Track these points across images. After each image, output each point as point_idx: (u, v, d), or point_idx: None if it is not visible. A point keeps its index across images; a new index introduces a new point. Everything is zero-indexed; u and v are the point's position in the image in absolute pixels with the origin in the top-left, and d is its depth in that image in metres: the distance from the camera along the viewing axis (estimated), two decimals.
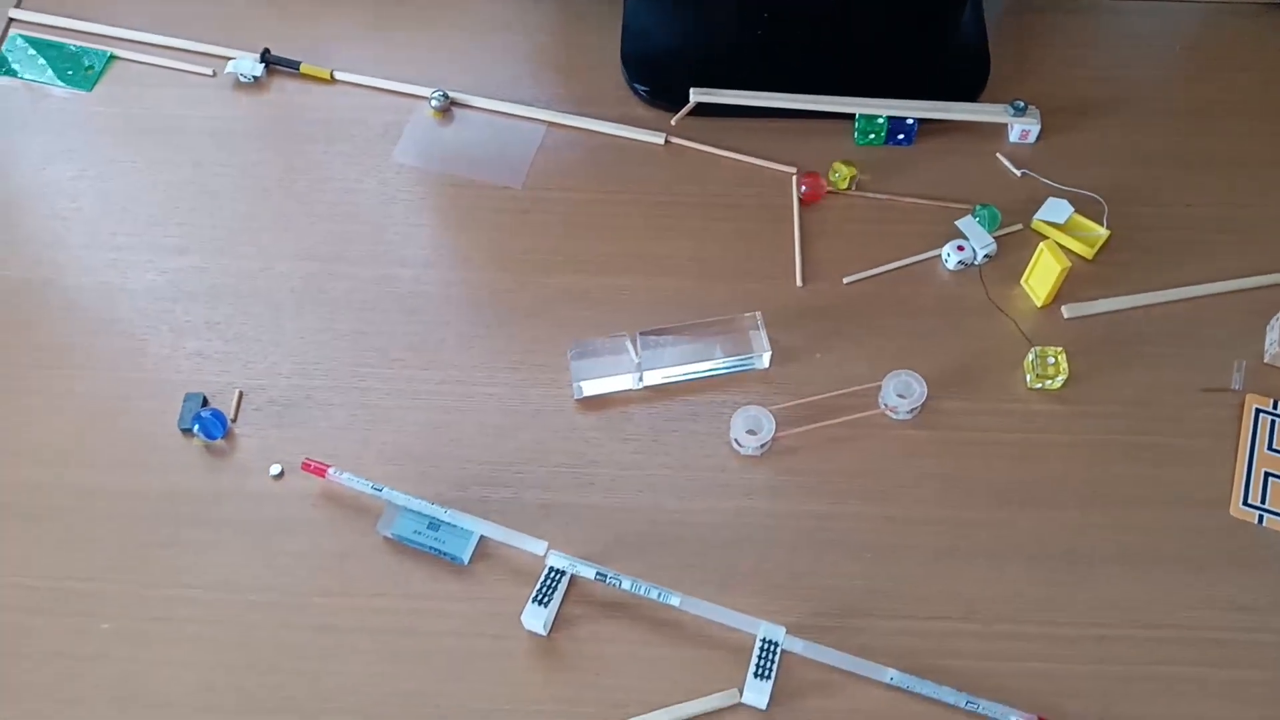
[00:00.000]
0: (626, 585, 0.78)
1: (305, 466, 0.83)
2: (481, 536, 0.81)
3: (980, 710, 0.74)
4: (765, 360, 0.89)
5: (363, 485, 0.82)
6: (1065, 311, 0.91)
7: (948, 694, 0.75)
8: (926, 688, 0.75)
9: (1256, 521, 0.82)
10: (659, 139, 1.00)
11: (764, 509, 0.83)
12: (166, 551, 0.81)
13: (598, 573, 0.78)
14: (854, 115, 0.99)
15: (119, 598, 0.80)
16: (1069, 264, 0.87)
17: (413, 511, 0.81)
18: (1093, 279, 0.93)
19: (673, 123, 1.00)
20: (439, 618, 0.79)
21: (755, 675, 0.74)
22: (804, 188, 0.92)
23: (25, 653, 0.78)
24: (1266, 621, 0.78)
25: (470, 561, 0.81)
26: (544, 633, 0.78)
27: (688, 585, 0.79)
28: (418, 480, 0.84)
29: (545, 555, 0.79)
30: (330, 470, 0.82)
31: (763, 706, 0.75)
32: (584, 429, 0.87)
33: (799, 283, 0.93)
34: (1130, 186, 0.97)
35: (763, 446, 0.85)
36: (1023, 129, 0.99)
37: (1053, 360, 0.87)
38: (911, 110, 0.99)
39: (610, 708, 0.76)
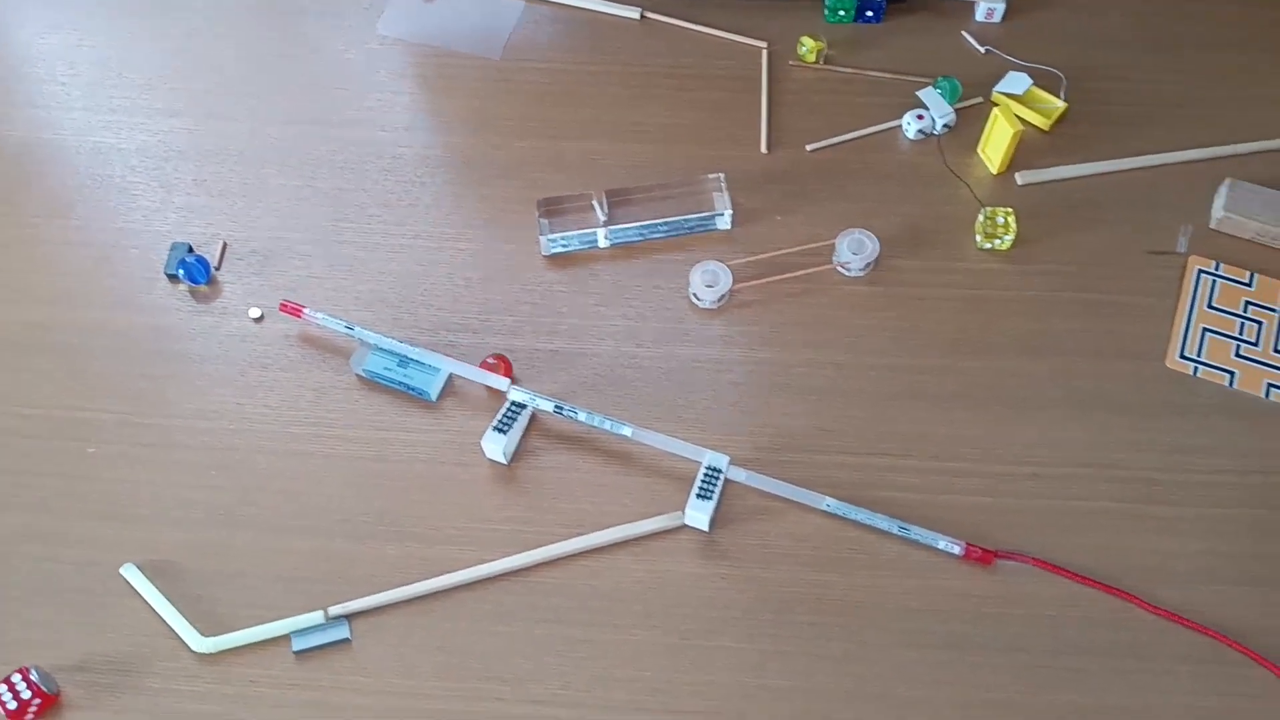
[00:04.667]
0: (582, 417, 0.82)
1: (283, 307, 0.87)
2: (449, 378, 0.86)
3: (911, 535, 0.78)
4: (727, 220, 0.92)
5: (336, 324, 0.86)
6: (1019, 178, 0.94)
7: (881, 520, 0.79)
8: (861, 514, 0.79)
9: (1192, 373, 0.85)
10: (634, 14, 1.03)
11: (718, 356, 0.87)
12: (153, 384, 0.87)
13: (556, 405, 0.83)
14: None
15: (109, 425, 0.85)
16: (1020, 128, 0.90)
17: (383, 350, 0.86)
18: (1049, 149, 0.96)
19: None
20: (407, 447, 0.84)
21: (697, 496, 0.78)
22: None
23: (23, 470, 0.83)
24: (1195, 462, 0.82)
25: (438, 399, 0.85)
26: (505, 461, 0.83)
27: (642, 422, 0.83)
28: (390, 326, 0.89)
29: (507, 391, 0.83)
30: (306, 310, 0.87)
31: (704, 527, 0.79)
32: (550, 282, 0.91)
33: (764, 150, 0.97)
34: (1094, 65, 0.99)
35: (720, 299, 0.89)
36: (988, 8, 1.02)
37: (1002, 220, 0.90)
38: None
39: (563, 528, 0.80)
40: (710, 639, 0.76)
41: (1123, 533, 0.79)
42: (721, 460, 0.80)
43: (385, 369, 0.85)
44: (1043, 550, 0.79)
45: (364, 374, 0.86)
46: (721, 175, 0.92)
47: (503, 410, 0.82)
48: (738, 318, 0.89)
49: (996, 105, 0.94)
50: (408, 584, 0.78)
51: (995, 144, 0.93)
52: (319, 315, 0.87)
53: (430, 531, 0.81)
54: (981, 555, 0.77)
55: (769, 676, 0.75)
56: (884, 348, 0.87)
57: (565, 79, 1.01)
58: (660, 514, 0.80)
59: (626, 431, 0.82)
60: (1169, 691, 0.74)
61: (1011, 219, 0.89)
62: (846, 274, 0.90)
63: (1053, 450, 0.82)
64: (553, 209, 0.91)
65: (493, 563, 0.78)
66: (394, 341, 0.86)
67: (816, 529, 0.80)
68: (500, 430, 0.81)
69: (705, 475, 0.79)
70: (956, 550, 0.78)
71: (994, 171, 0.94)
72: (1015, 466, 0.82)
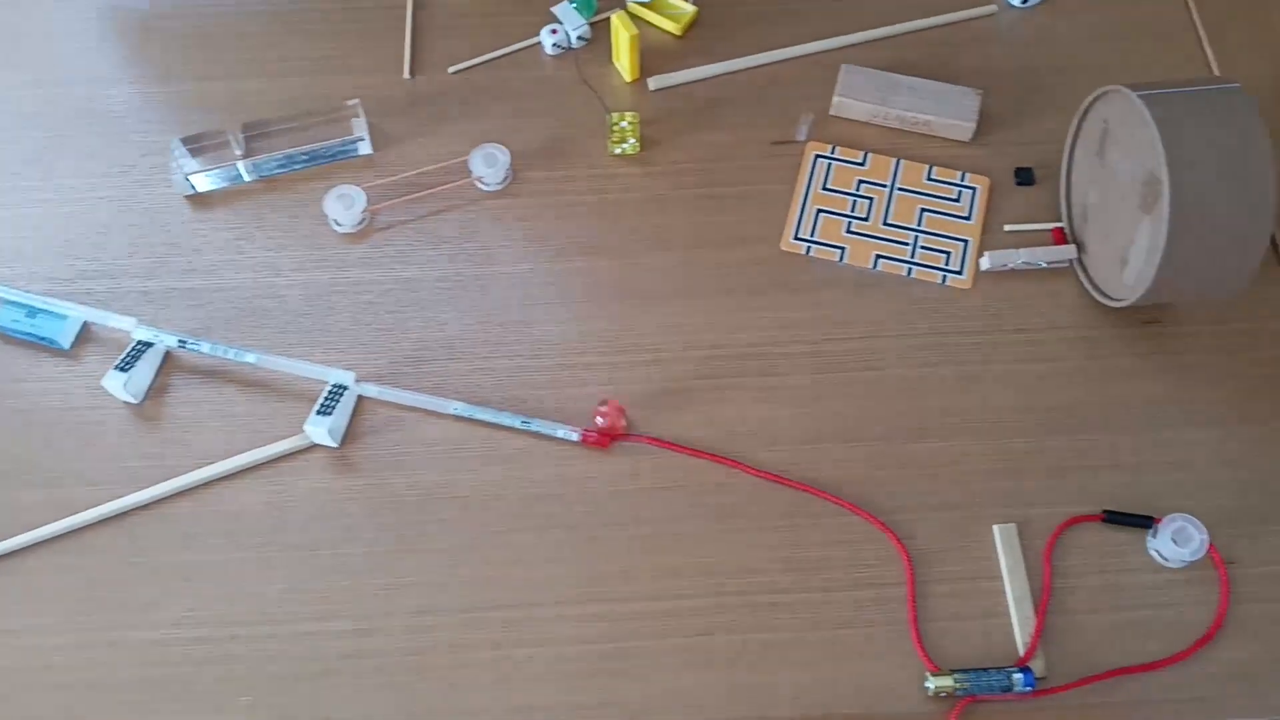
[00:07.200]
0: (205, 349, 0.83)
1: None
2: (85, 324, 0.86)
3: (533, 428, 0.82)
4: (367, 145, 0.94)
5: None
6: (651, 83, 0.97)
7: (506, 417, 0.82)
8: (487, 414, 0.82)
9: (804, 252, 0.90)
10: None
11: (357, 278, 0.89)
12: None
13: (179, 340, 0.84)
14: None
15: None
16: (636, 32, 0.93)
17: (10, 302, 0.86)
18: (683, 53, 0.99)
19: None
20: (40, 396, 0.84)
21: (318, 413, 0.80)
22: (600, 419, 0.81)
23: None
24: (803, 335, 0.86)
25: (72, 347, 0.86)
26: (135, 400, 0.83)
27: (280, 349, 0.85)
28: (27, 280, 0.88)
29: (133, 331, 0.84)
30: None
31: (329, 442, 0.81)
32: (189, 221, 0.92)
33: (407, 75, 0.98)
34: None
35: (359, 223, 0.91)
36: None
37: (627, 124, 0.93)
38: None
39: (197, 460, 0.81)
40: (337, 547, 0.79)
41: (732, 405, 0.84)
42: (347, 377, 0.82)
43: (13, 321, 0.85)
44: (661, 429, 0.83)
45: None
46: (358, 101, 0.94)
47: (127, 350, 0.83)
48: (379, 239, 0.91)
49: (642, 22, 0.97)
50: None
51: (622, 52, 0.96)
52: None
53: (65, 475, 0.81)
54: (598, 439, 0.81)
55: (393, 574, 0.78)
56: (519, 256, 0.90)
57: (212, 21, 1.01)
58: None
59: (251, 359, 0.83)
60: (772, 544, 0.79)
61: (635, 122, 0.93)
62: (485, 188, 0.93)
63: (671, 336, 0.86)
64: (189, 147, 0.92)
65: (120, 499, 0.79)
66: (19, 292, 0.85)
67: (446, 433, 0.83)
68: (122, 369, 0.81)
69: (329, 393, 0.81)
70: (574, 437, 0.81)
71: (628, 80, 0.97)
72: (636, 355, 0.86)
